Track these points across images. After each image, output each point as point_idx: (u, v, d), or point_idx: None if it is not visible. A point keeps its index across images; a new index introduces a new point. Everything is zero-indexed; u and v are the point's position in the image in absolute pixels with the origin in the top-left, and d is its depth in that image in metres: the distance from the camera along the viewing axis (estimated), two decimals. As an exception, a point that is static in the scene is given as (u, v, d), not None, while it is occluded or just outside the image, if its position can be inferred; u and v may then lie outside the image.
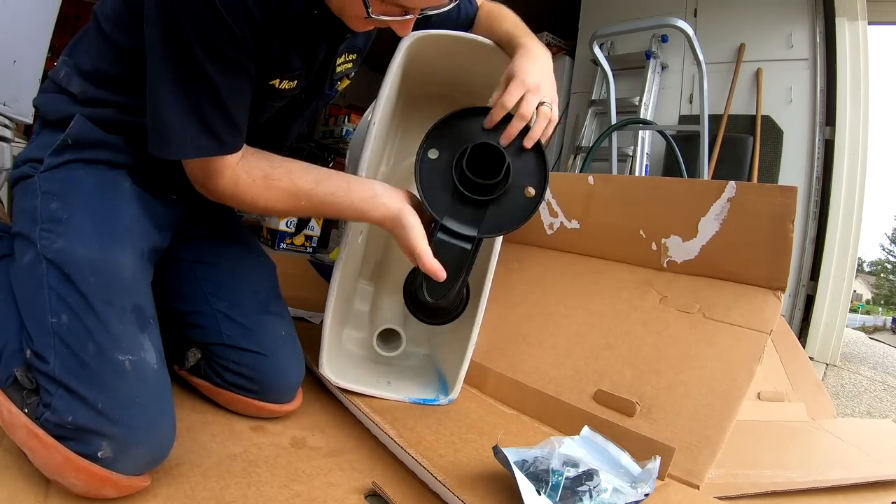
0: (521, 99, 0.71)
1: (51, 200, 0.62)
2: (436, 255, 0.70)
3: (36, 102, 0.73)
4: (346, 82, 0.86)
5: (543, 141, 0.74)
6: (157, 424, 0.55)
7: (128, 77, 0.67)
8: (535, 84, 0.72)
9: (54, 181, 0.64)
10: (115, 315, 0.57)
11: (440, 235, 0.72)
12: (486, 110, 0.73)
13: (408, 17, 0.64)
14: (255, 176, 0.68)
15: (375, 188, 0.73)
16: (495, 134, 0.72)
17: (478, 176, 0.71)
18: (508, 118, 0.72)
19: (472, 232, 0.72)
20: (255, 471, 0.63)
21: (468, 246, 0.72)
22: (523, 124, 0.71)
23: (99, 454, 0.51)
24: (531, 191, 0.73)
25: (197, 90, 0.60)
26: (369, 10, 0.61)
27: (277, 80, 0.70)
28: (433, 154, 0.74)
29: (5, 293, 0.62)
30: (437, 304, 0.74)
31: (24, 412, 0.53)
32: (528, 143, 0.72)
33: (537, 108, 0.72)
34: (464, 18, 0.88)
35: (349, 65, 0.82)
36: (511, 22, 0.85)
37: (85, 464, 0.50)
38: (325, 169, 0.74)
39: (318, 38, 0.71)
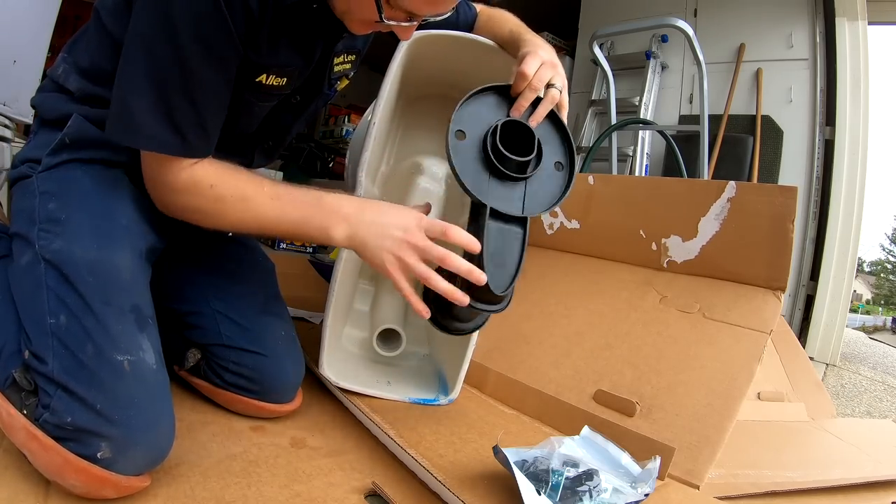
0: (536, 72, 0.72)
1: (49, 201, 0.62)
2: (487, 244, 0.64)
3: (34, 102, 0.72)
4: (346, 82, 0.86)
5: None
6: (156, 425, 0.55)
7: None
8: (550, 60, 0.74)
9: (52, 181, 0.64)
10: (114, 315, 0.56)
11: (491, 222, 0.65)
12: (498, 88, 0.71)
13: (412, 22, 0.64)
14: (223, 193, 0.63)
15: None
16: (504, 111, 0.71)
17: (512, 154, 0.67)
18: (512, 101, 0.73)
19: (519, 212, 0.67)
20: (255, 471, 0.63)
21: (520, 229, 0.67)
22: (535, 96, 0.71)
23: (98, 455, 0.51)
24: (561, 164, 0.72)
25: (170, 78, 0.58)
26: (382, 15, 0.61)
27: (264, 76, 0.69)
28: (460, 137, 0.68)
29: (3, 294, 0.62)
30: (502, 295, 0.65)
31: (23, 413, 0.53)
32: (533, 122, 0.71)
33: (547, 87, 0.72)
34: (463, 23, 0.88)
35: (347, 65, 0.82)
36: (514, 23, 0.85)
37: (84, 465, 0.50)
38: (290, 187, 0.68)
39: (313, 36, 0.71)
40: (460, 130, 0.68)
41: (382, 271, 0.63)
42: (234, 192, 0.64)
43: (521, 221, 0.67)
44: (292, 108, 0.79)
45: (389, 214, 0.65)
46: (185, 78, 0.58)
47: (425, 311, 0.65)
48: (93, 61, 0.68)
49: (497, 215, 0.66)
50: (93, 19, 0.69)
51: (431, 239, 0.63)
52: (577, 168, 0.72)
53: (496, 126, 0.68)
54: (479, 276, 0.60)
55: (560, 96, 0.73)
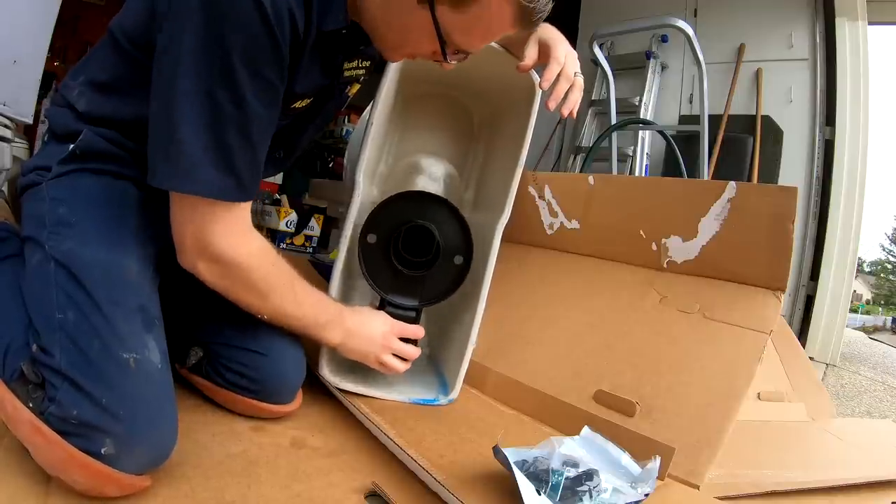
0: (566, 61, 0.78)
1: (59, 206, 0.63)
2: None
3: (47, 114, 0.73)
4: (357, 87, 0.85)
5: (575, 110, 0.81)
6: (160, 423, 0.56)
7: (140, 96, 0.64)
8: (572, 51, 0.79)
9: (62, 188, 0.65)
10: (121, 314, 0.57)
11: (389, 309, 0.86)
12: (414, 195, 0.87)
13: (462, 55, 0.67)
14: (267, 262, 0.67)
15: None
16: (421, 211, 0.85)
17: (412, 254, 0.84)
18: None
19: (413, 303, 0.87)
20: (255, 471, 0.63)
21: (413, 314, 0.87)
22: (569, 84, 0.78)
23: (102, 451, 0.51)
24: (459, 258, 0.86)
25: (227, 115, 0.55)
26: (447, 55, 0.63)
27: (299, 102, 0.70)
28: (371, 239, 0.85)
29: (12, 291, 0.63)
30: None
31: (29, 406, 0.53)
32: (566, 111, 0.79)
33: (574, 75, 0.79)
34: None
35: (361, 71, 0.81)
36: None
37: (88, 460, 0.51)
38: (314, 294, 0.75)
39: (336, 56, 0.71)
40: (372, 234, 0.85)
41: (367, 362, 0.83)
42: (288, 283, 0.70)
43: (413, 309, 0.87)
44: (304, 118, 0.79)
45: (370, 325, 0.81)
46: (241, 114, 0.56)
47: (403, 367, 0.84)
48: (108, 84, 0.67)
49: (395, 305, 0.86)
50: (108, 40, 0.68)
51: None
52: (471, 263, 0.87)
53: (401, 231, 0.84)
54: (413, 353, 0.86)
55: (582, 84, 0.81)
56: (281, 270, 0.70)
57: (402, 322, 0.84)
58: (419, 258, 0.85)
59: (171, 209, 0.62)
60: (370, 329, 0.80)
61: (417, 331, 0.85)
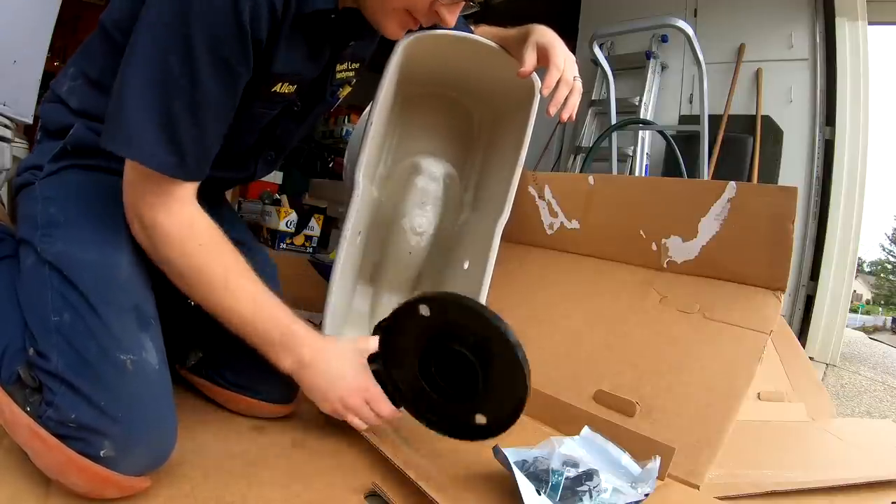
0: (565, 66, 0.77)
1: (50, 205, 0.63)
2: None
3: (38, 112, 0.73)
4: (348, 90, 0.85)
5: (574, 114, 0.80)
6: (159, 424, 0.56)
7: None
8: (570, 55, 0.79)
9: (53, 186, 0.65)
10: (115, 315, 0.57)
11: (375, 367, 0.69)
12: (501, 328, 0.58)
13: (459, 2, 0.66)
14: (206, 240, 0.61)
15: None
16: (487, 343, 0.59)
17: (441, 372, 0.64)
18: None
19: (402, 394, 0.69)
20: (255, 471, 0.63)
21: (395, 396, 0.70)
22: (569, 89, 0.78)
23: (101, 454, 0.51)
24: (482, 419, 0.63)
25: (177, 89, 0.54)
26: None
27: (279, 85, 0.69)
28: (424, 310, 0.62)
29: (8, 293, 0.62)
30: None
31: (27, 411, 0.53)
32: (565, 115, 0.78)
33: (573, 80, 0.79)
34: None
35: (350, 73, 0.81)
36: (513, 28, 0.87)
37: (87, 464, 0.50)
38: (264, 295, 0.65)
39: (323, 44, 0.71)
40: (424, 305, 0.62)
41: (323, 406, 0.70)
42: (219, 270, 0.62)
43: (397, 400, 0.70)
44: (294, 115, 0.79)
45: (338, 365, 0.68)
46: (194, 90, 0.55)
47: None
48: (100, 78, 0.67)
49: (387, 375, 0.69)
50: (99, 33, 0.68)
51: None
52: (499, 432, 0.65)
53: (448, 347, 0.62)
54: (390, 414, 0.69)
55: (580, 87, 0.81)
56: (215, 253, 0.62)
57: (380, 390, 0.68)
58: (445, 382, 0.64)
59: None
60: (336, 369, 0.67)
61: (391, 413, 0.69)
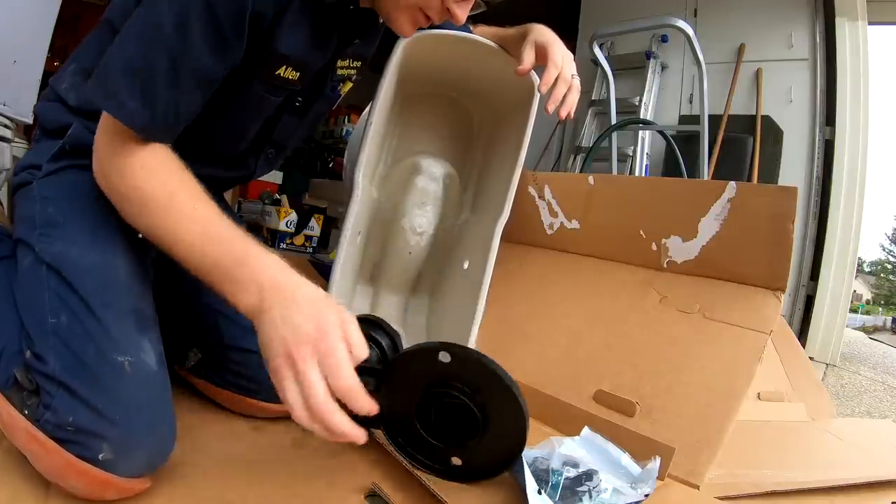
0: (563, 64, 0.78)
1: (48, 205, 0.62)
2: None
3: (36, 110, 0.72)
4: (349, 85, 0.85)
5: (572, 112, 0.80)
6: (157, 426, 0.55)
7: None
8: (568, 53, 0.79)
9: (51, 186, 0.64)
10: (114, 317, 0.56)
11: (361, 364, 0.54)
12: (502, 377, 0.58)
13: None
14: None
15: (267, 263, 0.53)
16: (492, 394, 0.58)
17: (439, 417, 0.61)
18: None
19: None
20: (255, 471, 0.63)
21: (372, 383, 0.58)
22: (567, 87, 0.79)
23: (100, 457, 0.50)
24: (457, 461, 0.62)
25: (162, 43, 0.53)
26: None
27: (283, 68, 0.68)
28: (445, 357, 0.58)
29: (5, 294, 0.62)
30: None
31: (25, 414, 0.53)
32: (564, 112, 0.78)
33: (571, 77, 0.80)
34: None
35: (352, 70, 0.81)
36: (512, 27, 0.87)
37: (86, 467, 0.50)
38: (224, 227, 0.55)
39: (331, 35, 0.71)
40: (446, 353, 0.58)
41: (269, 367, 0.50)
42: (162, 189, 0.55)
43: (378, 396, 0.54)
44: (295, 110, 0.79)
45: (316, 305, 0.50)
46: (181, 50, 0.54)
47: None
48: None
49: (369, 365, 0.57)
50: (102, 29, 0.68)
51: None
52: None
53: (443, 399, 0.60)
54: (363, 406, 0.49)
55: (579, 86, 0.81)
56: (163, 175, 0.56)
57: (349, 361, 0.49)
58: (439, 424, 0.62)
59: None
60: (313, 308, 0.49)
61: (371, 406, 0.49)
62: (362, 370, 0.51)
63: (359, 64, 0.82)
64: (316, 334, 0.48)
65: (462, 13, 0.67)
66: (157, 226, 0.55)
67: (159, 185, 0.55)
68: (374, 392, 0.52)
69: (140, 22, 0.55)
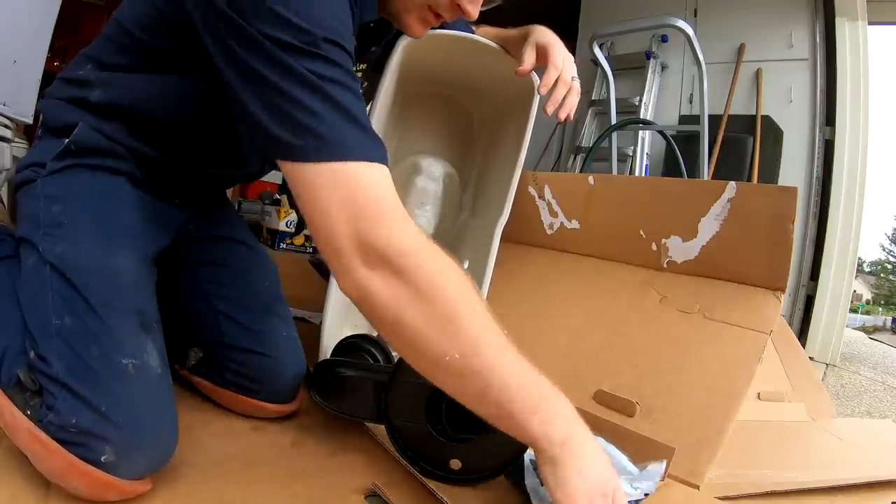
0: (563, 66, 0.79)
1: (52, 204, 0.62)
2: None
3: (39, 106, 0.71)
4: None
5: (572, 114, 0.81)
6: (160, 429, 0.55)
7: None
8: (569, 55, 0.80)
9: (56, 185, 0.64)
10: (118, 319, 0.56)
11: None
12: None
13: None
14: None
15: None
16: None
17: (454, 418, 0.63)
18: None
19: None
20: (255, 471, 0.63)
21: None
22: (567, 88, 0.79)
23: (102, 459, 0.50)
24: (456, 464, 0.64)
25: (326, 83, 0.47)
26: None
27: None
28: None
29: (8, 294, 0.62)
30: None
31: (27, 414, 0.53)
32: (563, 114, 0.79)
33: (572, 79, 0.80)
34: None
35: (359, 73, 0.82)
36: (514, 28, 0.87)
37: (88, 469, 0.50)
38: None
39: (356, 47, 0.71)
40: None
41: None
42: (460, 301, 0.48)
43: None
44: None
45: (599, 459, 0.53)
46: (341, 82, 0.49)
47: None
48: (113, 72, 0.65)
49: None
50: (114, 29, 0.67)
51: None
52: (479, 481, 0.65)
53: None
54: None
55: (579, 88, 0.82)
56: (470, 297, 0.49)
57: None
58: (448, 422, 0.64)
59: (304, 206, 0.49)
60: (600, 464, 0.53)
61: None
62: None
63: (364, 66, 0.82)
64: (610, 484, 0.52)
65: (474, 8, 0.64)
66: (441, 344, 0.49)
67: (460, 297, 0.50)
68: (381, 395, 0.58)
69: (290, 71, 0.47)
